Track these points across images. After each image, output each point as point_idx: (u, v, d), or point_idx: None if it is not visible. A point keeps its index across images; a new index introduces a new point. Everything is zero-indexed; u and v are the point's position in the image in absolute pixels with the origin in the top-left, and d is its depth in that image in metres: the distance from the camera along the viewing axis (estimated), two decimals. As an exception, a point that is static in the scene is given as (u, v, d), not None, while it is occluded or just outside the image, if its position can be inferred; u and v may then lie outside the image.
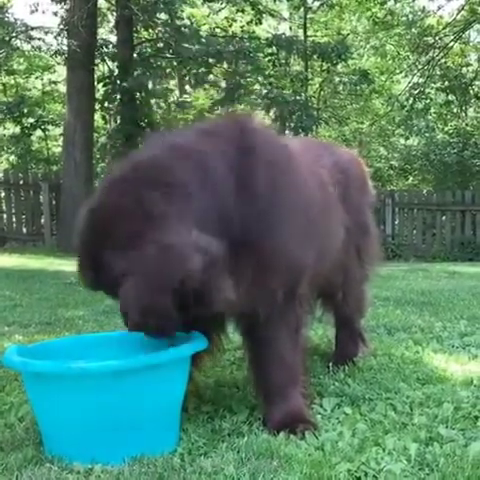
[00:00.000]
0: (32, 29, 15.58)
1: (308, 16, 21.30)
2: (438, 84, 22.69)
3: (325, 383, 3.89)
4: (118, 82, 16.31)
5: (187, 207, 2.80)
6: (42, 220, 16.32)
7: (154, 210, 2.74)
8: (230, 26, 19.52)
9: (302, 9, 20.50)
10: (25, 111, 19.21)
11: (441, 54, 21.98)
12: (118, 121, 17.62)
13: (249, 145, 3.06)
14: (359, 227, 4.21)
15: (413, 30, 22.41)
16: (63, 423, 2.81)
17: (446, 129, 23.21)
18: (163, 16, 16.83)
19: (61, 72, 21.16)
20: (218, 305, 2.86)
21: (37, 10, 16.73)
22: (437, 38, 21.88)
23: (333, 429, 3.16)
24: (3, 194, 16.43)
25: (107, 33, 19.46)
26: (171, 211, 2.76)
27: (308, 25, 20.80)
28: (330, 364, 4.23)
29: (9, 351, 3.00)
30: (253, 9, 18.06)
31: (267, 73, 18.46)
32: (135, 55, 17.24)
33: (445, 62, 22.54)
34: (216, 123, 3.50)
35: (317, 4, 20.41)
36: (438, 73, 22.46)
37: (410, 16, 22.67)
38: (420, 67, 22.37)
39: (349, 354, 4.37)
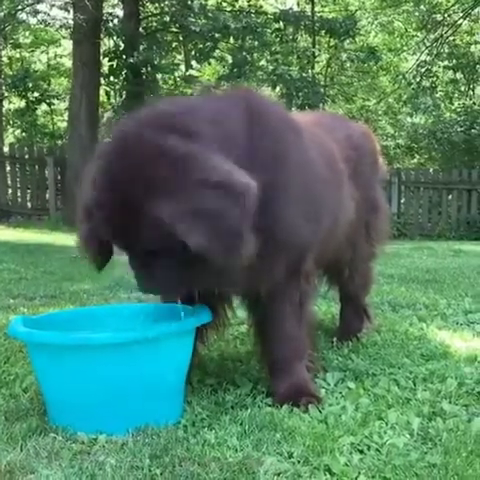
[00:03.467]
0: (38, 2, 15.47)
1: (316, -9, 21.07)
2: (445, 62, 22.51)
3: (329, 358, 3.90)
4: (124, 57, 16.21)
5: (210, 147, 2.63)
6: (47, 195, 16.30)
7: (179, 152, 2.55)
8: (237, 1, 19.34)
9: (310, -16, 20.28)
10: (30, 85, 19.10)
11: (449, 32, 21.78)
12: (123, 96, 17.54)
13: (258, 114, 3.00)
14: (369, 203, 4.18)
15: (422, 7, 22.19)
16: (67, 393, 2.82)
17: (453, 107, 23.04)
18: (170, -11, 16.71)
19: (66, 46, 21.04)
20: (243, 257, 2.67)
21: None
22: (446, 15, 21.67)
23: (336, 403, 3.17)
24: (8, 168, 16.40)
25: (113, 6, 19.27)
26: (197, 150, 2.59)
27: (316, 0, 20.55)
28: (334, 339, 4.23)
29: (14, 322, 3.00)
30: (261, -16, 17.95)
31: (273, 49, 18.32)
32: (141, 29, 17.11)
33: (453, 40, 22.35)
34: (226, 93, 3.44)
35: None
36: (446, 51, 22.26)
37: (419, -8, 22.42)
38: (428, 45, 22.18)
39: (353, 330, 4.37)
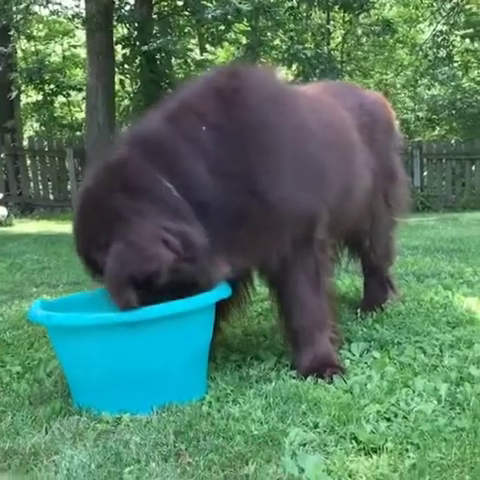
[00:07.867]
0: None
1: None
2: (462, 31, 22.14)
3: (353, 329, 3.86)
4: (137, 44, 16.14)
5: (155, 205, 2.81)
6: (68, 186, 16.35)
7: (122, 211, 2.79)
8: (249, -20, 19.15)
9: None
10: (46, 77, 19.08)
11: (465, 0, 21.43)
12: (138, 83, 17.49)
13: (233, 90, 3.04)
14: (386, 172, 4.12)
15: (436, -24, 21.86)
16: (89, 374, 2.81)
17: (472, 76, 22.71)
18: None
19: (80, 36, 21.04)
20: (208, 284, 2.91)
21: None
22: (461, -17, 21.32)
23: (362, 373, 3.15)
24: (29, 162, 16.45)
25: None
26: (138, 209, 2.79)
27: (329, -25, 20.30)
28: (358, 311, 4.19)
29: (33, 306, 3.01)
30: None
31: (287, 28, 18.13)
32: (153, 14, 17.03)
33: (469, 8, 21.97)
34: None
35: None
36: (462, 20, 21.90)
37: (432, -38, 22.05)
38: (444, 14, 21.84)
39: (377, 301, 4.32)
